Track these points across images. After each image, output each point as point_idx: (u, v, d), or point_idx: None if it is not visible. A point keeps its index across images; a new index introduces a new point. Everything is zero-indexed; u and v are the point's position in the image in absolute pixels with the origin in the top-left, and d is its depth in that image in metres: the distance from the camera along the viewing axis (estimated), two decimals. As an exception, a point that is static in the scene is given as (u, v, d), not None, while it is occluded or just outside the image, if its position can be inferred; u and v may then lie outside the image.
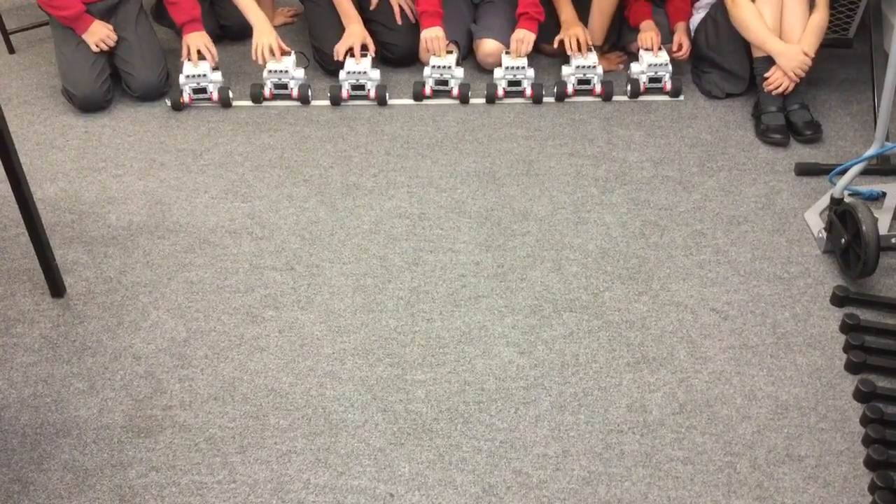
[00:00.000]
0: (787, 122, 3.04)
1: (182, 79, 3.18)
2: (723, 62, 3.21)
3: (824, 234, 2.53)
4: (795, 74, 2.98)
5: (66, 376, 2.18)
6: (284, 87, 3.22)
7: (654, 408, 2.10)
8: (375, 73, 3.22)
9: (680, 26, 3.35)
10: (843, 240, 2.41)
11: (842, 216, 2.43)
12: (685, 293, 2.42)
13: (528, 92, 3.24)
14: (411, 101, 3.25)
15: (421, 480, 1.93)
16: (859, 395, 2.11)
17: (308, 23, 3.50)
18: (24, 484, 1.93)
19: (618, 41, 3.52)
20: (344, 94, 3.21)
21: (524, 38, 3.24)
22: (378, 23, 3.39)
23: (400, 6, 3.37)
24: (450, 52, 3.27)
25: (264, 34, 3.21)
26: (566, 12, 3.28)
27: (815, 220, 2.65)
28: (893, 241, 2.50)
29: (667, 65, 3.23)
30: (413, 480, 1.93)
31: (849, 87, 3.32)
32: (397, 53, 3.41)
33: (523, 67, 3.23)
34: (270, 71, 3.20)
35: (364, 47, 3.27)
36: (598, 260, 2.53)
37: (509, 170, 2.90)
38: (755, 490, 1.91)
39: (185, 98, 3.19)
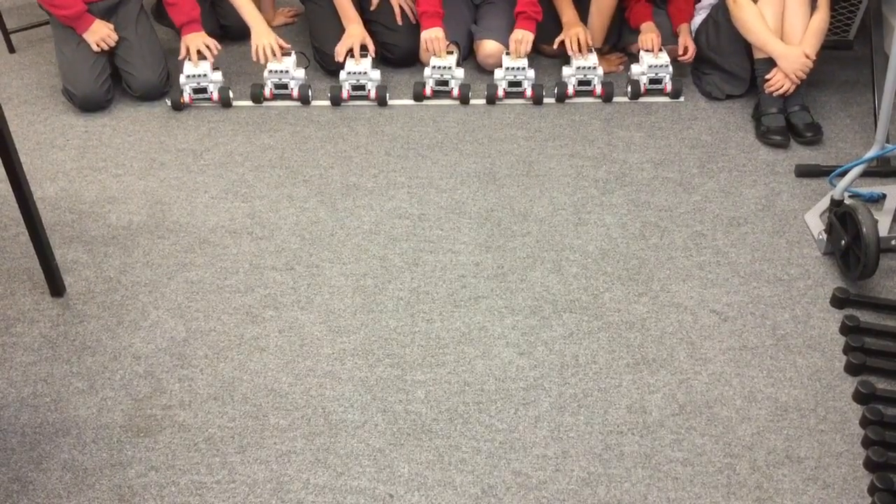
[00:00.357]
0: (787, 123, 3.04)
1: (182, 79, 3.18)
2: (724, 63, 3.21)
3: (824, 236, 2.53)
4: (796, 76, 2.98)
5: (66, 376, 2.18)
6: (285, 87, 3.22)
7: (653, 409, 2.10)
8: (376, 74, 3.22)
9: (683, 28, 3.34)
10: (843, 241, 2.41)
11: (842, 218, 2.43)
12: (685, 294, 2.42)
13: (529, 93, 3.24)
14: (411, 102, 3.25)
15: (420, 481, 1.93)
16: (859, 397, 2.11)
17: (308, 23, 3.50)
18: (23, 483, 1.93)
19: (618, 42, 3.52)
20: (344, 94, 3.21)
21: (523, 38, 3.24)
22: (378, 23, 3.39)
23: (400, 6, 3.37)
24: (450, 53, 3.27)
25: (263, 35, 3.20)
26: (568, 13, 3.28)
27: (815, 222, 2.65)
28: (893, 242, 2.50)
29: (667, 66, 3.23)
30: (412, 481, 1.93)
31: (849, 88, 3.32)
32: (398, 54, 3.41)
33: (524, 68, 3.23)
34: (271, 71, 3.20)
35: (364, 48, 3.27)
36: (598, 261, 2.53)
37: (509, 171, 2.90)
38: (755, 491, 1.91)
39: (186, 98, 3.19)
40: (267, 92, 3.22)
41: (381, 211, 2.72)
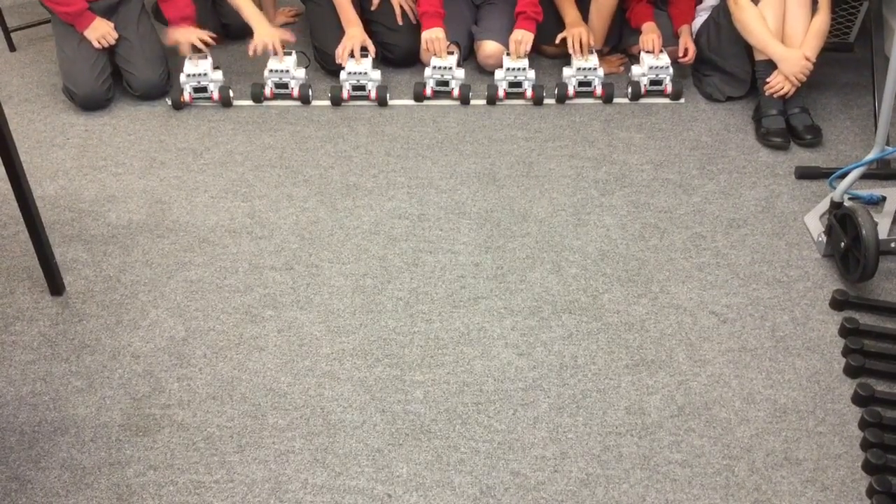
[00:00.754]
0: (787, 125, 3.04)
1: (183, 77, 3.18)
2: (724, 65, 3.21)
3: (824, 238, 2.53)
4: (797, 79, 2.98)
5: (65, 374, 2.18)
6: (285, 86, 3.23)
7: (652, 410, 2.10)
8: (376, 74, 3.23)
9: (684, 29, 3.34)
10: (842, 243, 2.41)
11: (842, 220, 2.43)
12: (684, 296, 2.42)
13: (529, 93, 3.24)
14: (412, 102, 3.25)
15: (419, 481, 1.93)
16: (858, 399, 2.11)
17: (309, 23, 3.50)
18: (21, 482, 1.92)
19: (618, 43, 3.52)
20: (345, 94, 3.21)
21: (522, 38, 3.24)
22: (379, 23, 3.39)
23: (401, 6, 3.37)
24: (451, 53, 3.27)
25: (266, 35, 3.20)
26: (570, 14, 3.28)
27: (814, 224, 2.66)
28: (893, 245, 2.51)
29: (668, 67, 3.24)
30: (411, 481, 1.93)
31: (849, 91, 3.32)
32: (398, 54, 3.41)
33: (524, 69, 3.23)
34: (271, 70, 3.20)
35: (364, 49, 3.27)
36: (598, 262, 2.53)
37: (509, 171, 2.90)
38: (753, 493, 1.91)
39: (186, 97, 3.19)
40: (267, 91, 3.22)
41: (380, 211, 2.72)
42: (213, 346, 2.26)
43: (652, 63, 3.24)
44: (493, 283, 2.46)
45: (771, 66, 3.04)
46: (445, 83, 3.25)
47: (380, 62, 3.38)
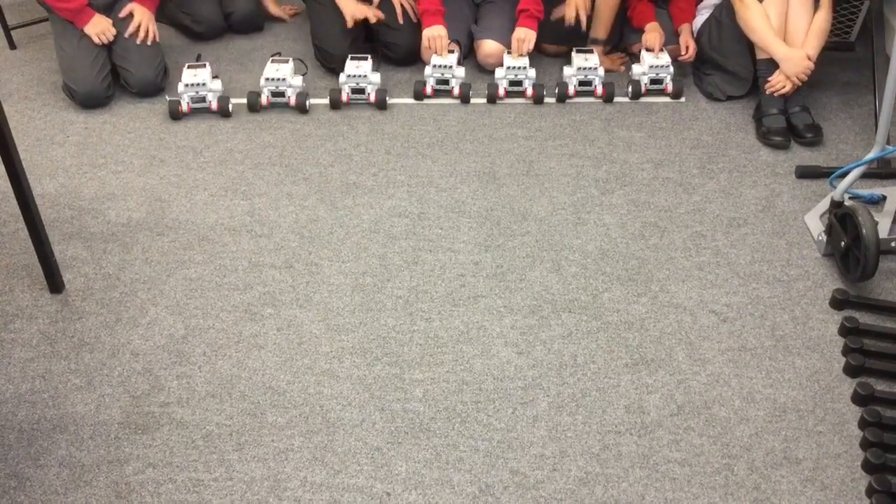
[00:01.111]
0: (788, 124, 3.04)
1: (181, 87, 3.13)
2: (726, 64, 3.21)
3: (824, 237, 2.53)
4: (798, 79, 2.98)
5: (64, 372, 2.18)
6: (282, 94, 3.17)
7: (651, 409, 2.09)
8: (376, 77, 3.20)
9: (685, 28, 3.34)
10: (842, 243, 2.41)
11: (842, 219, 2.43)
12: (684, 295, 2.42)
13: (530, 92, 3.24)
14: (412, 101, 3.25)
15: (418, 479, 1.93)
16: (857, 399, 2.10)
17: (310, 21, 3.50)
18: (20, 480, 1.92)
19: (619, 42, 3.52)
20: (344, 97, 3.19)
21: (525, 37, 3.24)
22: (379, 22, 3.39)
23: (402, 5, 3.37)
24: (451, 52, 3.27)
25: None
26: None
27: (815, 223, 2.65)
28: (893, 244, 2.50)
29: (668, 66, 3.23)
30: (410, 479, 1.93)
31: (850, 90, 3.32)
32: (399, 53, 3.41)
33: (524, 67, 3.23)
34: (267, 79, 3.16)
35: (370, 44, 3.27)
36: (598, 261, 2.53)
37: (509, 170, 2.90)
38: (752, 492, 1.91)
39: (184, 107, 3.14)
40: (263, 99, 3.17)
41: (380, 209, 2.72)
42: (212, 344, 2.26)
43: (652, 62, 3.23)
44: (492, 281, 2.46)
45: (773, 65, 3.03)
46: (446, 82, 3.25)
47: (381, 60, 3.38)
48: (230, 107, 3.13)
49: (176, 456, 1.98)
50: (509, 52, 3.27)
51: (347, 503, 1.88)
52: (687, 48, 3.28)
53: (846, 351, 2.23)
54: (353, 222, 2.67)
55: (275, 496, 1.89)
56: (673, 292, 2.42)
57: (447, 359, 2.22)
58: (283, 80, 3.15)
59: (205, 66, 3.17)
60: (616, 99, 3.25)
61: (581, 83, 3.23)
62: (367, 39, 3.47)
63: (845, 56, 3.49)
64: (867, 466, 1.95)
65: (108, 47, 3.19)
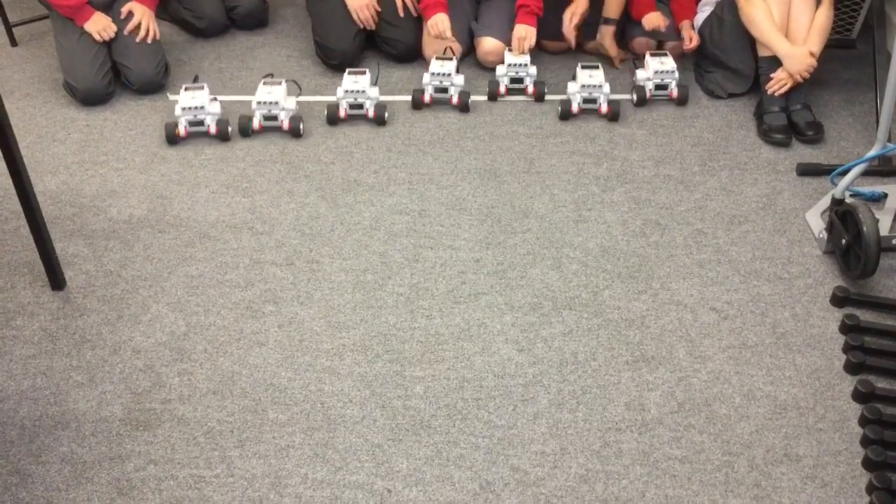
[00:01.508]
0: (789, 122, 3.03)
1: (178, 110, 2.98)
2: (727, 60, 3.21)
3: (825, 235, 2.53)
4: (801, 77, 2.98)
5: (66, 369, 2.18)
6: (275, 118, 3.02)
7: (652, 406, 2.10)
8: (374, 92, 3.09)
9: (685, 24, 3.34)
10: (843, 240, 2.41)
11: (843, 217, 2.43)
12: (685, 292, 2.42)
13: (531, 89, 3.22)
14: (411, 98, 3.23)
15: (418, 476, 1.93)
16: (858, 396, 2.11)
17: (311, 17, 3.49)
18: (22, 476, 1.93)
19: (621, 38, 3.51)
20: (342, 113, 3.08)
21: (526, 34, 3.23)
22: (380, 18, 3.38)
23: (402, 0, 3.37)
24: (449, 59, 3.21)
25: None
26: None
27: (815, 221, 2.65)
28: (894, 242, 2.50)
29: (674, 72, 3.17)
30: (411, 476, 1.93)
31: (851, 87, 3.32)
32: (400, 49, 3.40)
33: (525, 65, 3.22)
34: (260, 102, 3.00)
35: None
36: (599, 258, 2.53)
37: (510, 167, 2.90)
38: (752, 489, 1.91)
39: (181, 131, 2.97)
40: (255, 124, 3.01)
41: (381, 207, 2.72)
42: (213, 341, 2.26)
43: (657, 67, 3.18)
44: (493, 279, 2.46)
45: (774, 62, 3.03)
46: (444, 90, 3.18)
47: (382, 57, 3.38)
48: (229, 130, 2.98)
49: (177, 452, 1.98)
50: (510, 50, 3.26)
51: (348, 500, 1.88)
52: (690, 39, 3.27)
53: (847, 348, 2.23)
54: (354, 219, 2.67)
55: (276, 493, 1.90)
56: (674, 289, 2.42)
57: (448, 356, 2.22)
58: (276, 103, 3.00)
59: (203, 87, 3.02)
60: (617, 96, 3.24)
61: (585, 101, 3.13)
62: (368, 36, 3.46)
63: (846, 53, 3.49)
64: (867, 464, 1.95)
65: (109, 44, 3.19)
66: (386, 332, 2.29)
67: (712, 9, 3.28)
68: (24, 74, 3.40)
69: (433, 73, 3.17)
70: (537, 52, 3.44)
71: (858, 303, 2.37)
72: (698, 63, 3.37)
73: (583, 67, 3.18)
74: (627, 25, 3.47)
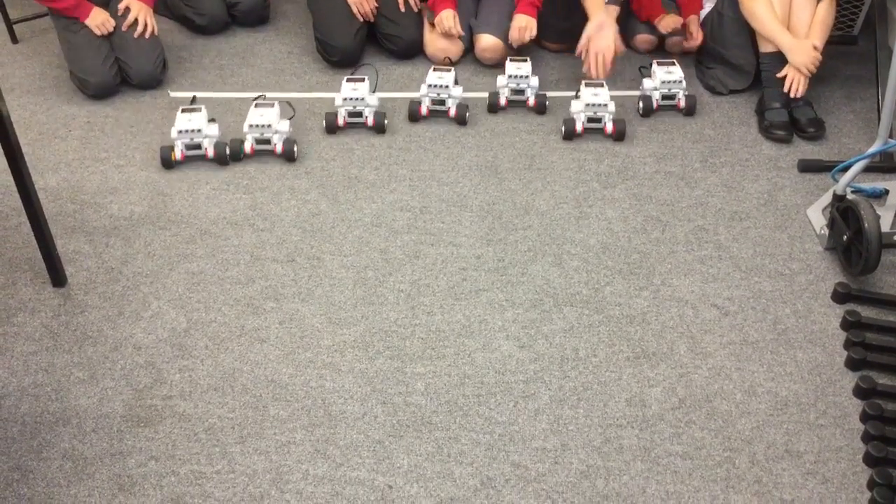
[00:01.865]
0: (790, 118, 3.03)
1: (174, 133, 2.85)
2: (728, 56, 3.20)
3: (826, 231, 2.53)
4: (807, 70, 2.96)
5: (67, 365, 2.18)
6: (267, 142, 2.89)
7: (653, 402, 2.10)
8: (374, 100, 3.02)
9: (692, 19, 3.33)
10: (844, 237, 2.41)
11: (844, 213, 2.43)
12: (686, 288, 2.42)
13: (532, 101, 3.13)
14: (412, 94, 3.22)
15: (419, 472, 1.93)
16: (859, 392, 2.11)
17: (311, 14, 3.49)
18: (23, 472, 1.93)
19: (623, 35, 3.50)
20: (340, 121, 3.02)
21: (527, 25, 3.20)
22: (381, 14, 3.39)
23: None
24: (447, 70, 3.13)
25: None
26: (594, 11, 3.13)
27: (817, 217, 2.65)
28: (895, 238, 2.50)
29: (681, 81, 3.10)
30: (412, 472, 1.94)
31: (853, 83, 3.31)
32: (401, 45, 3.40)
33: (527, 76, 3.10)
34: (251, 125, 2.87)
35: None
36: (600, 255, 2.53)
37: (511, 164, 2.90)
38: (754, 485, 1.91)
39: (177, 154, 2.85)
40: (248, 147, 2.88)
41: (382, 203, 2.72)
42: (214, 337, 2.26)
43: (664, 77, 3.11)
44: (494, 275, 2.46)
45: (776, 58, 3.02)
46: (442, 102, 3.09)
47: (383, 54, 3.38)
48: (227, 152, 2.87)
49: (178, 449, 1.98)
50: (512, 59, 3.14)
51: (349, 496, 1.88)
52: (692, 35, 3.27)
53: (848, 345, 2.23)
54: (354, 216, 2.67)
55: (277, 489, 1.90)
56: (675, 286, 2.42)
57: (449, 352, 2.22)
58: (269, 126, 2.87)
59: (200, 109, 2.91)
60: (618, 92, 3.24)
61: (590, 120, 3.00)
62: (369, 33, 3.46)
63: (848, 50, 3.49)
64: (868, 460, 1.95)
65: (109, 39, 3.19)
66: (387, 328, 2.29)
67: (714, 4, 3.28)
68: (25, 71, 3.40)
69: (430, 85, 3.07)
70: (538, 51, 3.43)
71: (859, 299, 2.37)
72: (700, 59, 3.36)
73: (587, 85, 3.05)
74: (630, 23, 3.46)
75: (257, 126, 2.88)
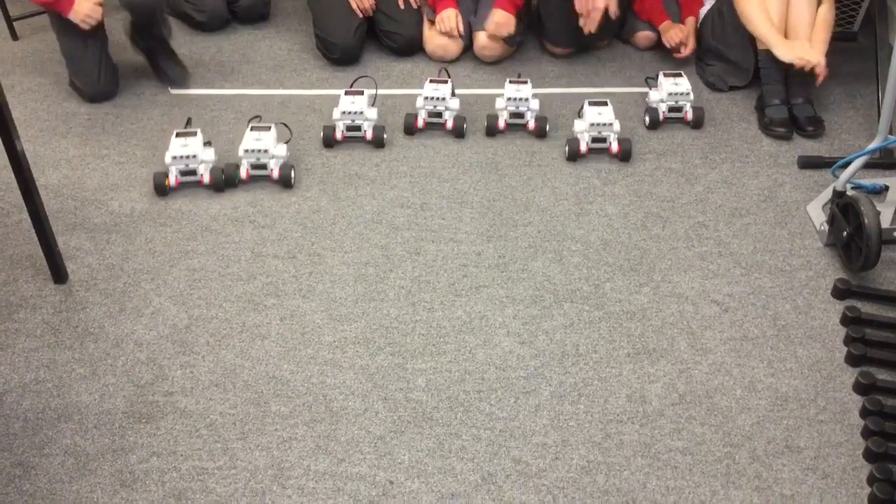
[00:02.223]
0: (790, 115, 3.03)
1: (168, 158, 2.72)
2: (728, 54, 3.21)
3: (826, 227, 2.53)
4: (803, 60, 2.93)
5: (68, 362, 2.19)
6: (263, 167, 2.77)
7: (653, 398, 2.10)
8: (372, 113, 2.93)
9: (690, 21, 3.33)
10: (844, 233, 2.41)
11: (844, 209, 2.43)
12: (686, 285, 2.42)
13: (532, 125, 2.99)
14: (413, 91, 3.22)
15: (420, 468, 1.94)
16: (859, 388, 2.11)
17: (311, 11, 3.49)
18: (25, 468, 1.93)
19: (621, 31, 3.51)
20: (338, 135, 2.95)
21: (506, 21, 3.18)
22: (380, 12, 3.39)
23: None
24: (444, 82, 3.04)
25: None
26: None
27: (817, 213, 2.65)
28: (895, 234, 2.50)
29: (688, 93, 3.03)
30: (413, 468, 1.94)
31: (853, 80, 3.32)
32: (400, 42, 3.41)
33: (527, 99, 2.97)
34: (247, 150, 2.75)
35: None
36: (600, 251, 2.53)
37: (512, 160, 2.90)
38: (754, 481, 1.92)
39: (171, 181, 2.73)
40: (243, 173, 2.77)
41: (382, 200, 2.72)
42: (215, 333, 2.27)
43: (671, 89, 3.03)
44: (494, 271, 2.46)
45: (774, 56, 3.02)
46: (438, 114, 3.00)
47: (383, 51, 3.38)
48: (223, 178, 2.74)
49: (180, 445, 1.99)
50: (512, 81, 3.02)
51: (350, 491, 1.89)
52: (686, 45, 3.27)
53: (848, 340, 2.23)
54: (355, 213, 2.67)
55: (278, 484, 1.90)
56: (675, 282, 2.43)
57: (449, 348, 2.23)
58: (265, 151, 2.75)
59: (195, 133, 2.78)
60: (618, 89, 3.24)
61: (594, 140, 2.88)
62: (369, 30, 3.46)
63: (848, 46, 3.48)
64: (868, 455, 1.96)
65: (103, 40, 3.15)
66: (388, 324, 2.29)
67: (714, 2, 3.28)
68: (26, 68, 3.40)
69: (426, 98, 2.97)
70: (540, 52, 3.43)
71: (859, 295, 2.37)
72: (700, 56, 3.36)
73: (590, 104, 2.94)
74: (630, 20, 3.47)
75: (253, 151, 2.75)
